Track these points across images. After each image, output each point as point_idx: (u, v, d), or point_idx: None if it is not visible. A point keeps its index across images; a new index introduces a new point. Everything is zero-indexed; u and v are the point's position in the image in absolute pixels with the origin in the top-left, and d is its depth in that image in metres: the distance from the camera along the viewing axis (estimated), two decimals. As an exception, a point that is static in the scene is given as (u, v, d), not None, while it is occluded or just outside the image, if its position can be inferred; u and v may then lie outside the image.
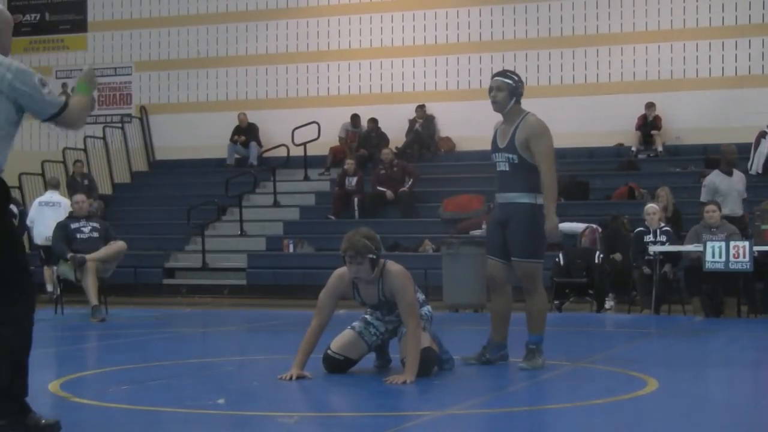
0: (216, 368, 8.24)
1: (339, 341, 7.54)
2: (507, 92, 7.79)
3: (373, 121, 21.47)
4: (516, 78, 7.88)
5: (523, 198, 7.77)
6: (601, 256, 15.01)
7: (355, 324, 7.60)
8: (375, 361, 7.77)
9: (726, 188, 14.93)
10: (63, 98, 5.22)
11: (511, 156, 7.76)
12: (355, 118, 21.74)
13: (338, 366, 7.47)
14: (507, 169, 7.80)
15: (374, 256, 7.15)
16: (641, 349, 9.96)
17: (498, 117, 7.98)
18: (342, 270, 7.35)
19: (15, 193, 19.59)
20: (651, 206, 14.44)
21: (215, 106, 23.17)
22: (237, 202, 20.50)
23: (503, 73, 7.95)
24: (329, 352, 7.49)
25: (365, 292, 7.38)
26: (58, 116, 5.19)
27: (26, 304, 5.08)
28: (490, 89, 7.87)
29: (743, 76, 20.20)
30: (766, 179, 18.37)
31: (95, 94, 5.17)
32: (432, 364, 7.31)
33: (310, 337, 7.28)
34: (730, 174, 14.96)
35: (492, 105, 7.88)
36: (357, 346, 7.52)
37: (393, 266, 7.31)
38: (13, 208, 15.70)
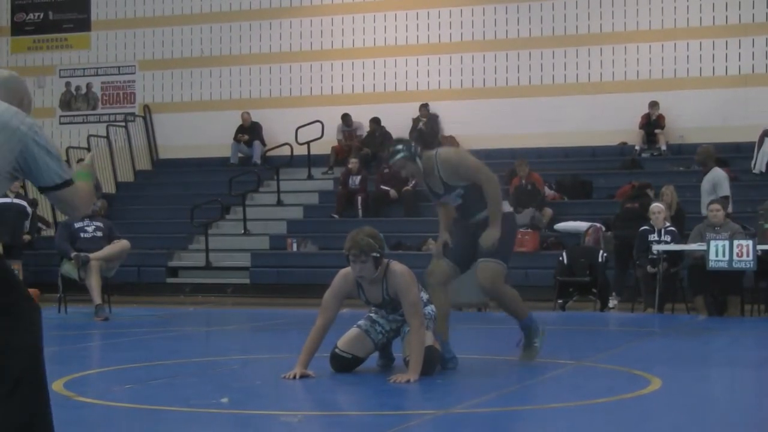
0: (219, 367, 8.25)
1: (346, 339, 7.55)
2: (409, 162, 7.67)
3: (375, 121, 21.45)
4: (403, 145, 7.71)
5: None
6: (605, 255, 14.99)
7: (361, 322, 7.62)
8: (378, 360, 7.78)
9: (702, 189, 15.12)
10: (71, 172, 4.29)
11: (456, 191, 7.72)
12: (346, 117, 21.71)
13: (346, 364, 7.48)
14: (461, 201, 7.77)
15: (378, 255, 7.17)
16: (644, 348, 9.96)
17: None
18: (347, 270, 7.37)
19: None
20: (656, 205, 14.41)
21: (219, 104, 23.18)
22: (240, 201, 20.50)
23: (395, 152, 7.73)
24: (337, 350, 7.51)
25: (369, 292, 7.39)
26: (62, 188, 4.19)
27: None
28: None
29: (747, 75, 20.19)
30: (770, 178, 18.39)
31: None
32: (435, 363, 7.32)
33: (314, 336, 7.29)
34: (705, 174, 15.14)
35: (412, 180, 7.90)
36: (364, 344, 7.54)
37: (396, 266, 7.33)
38: (27, 207, 15.80)
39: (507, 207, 7.93)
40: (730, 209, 14.95)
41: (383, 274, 7.28)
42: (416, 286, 7.30)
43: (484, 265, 7.77)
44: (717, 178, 15.09)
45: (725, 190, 14.97)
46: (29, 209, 15.74)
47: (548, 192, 18.73)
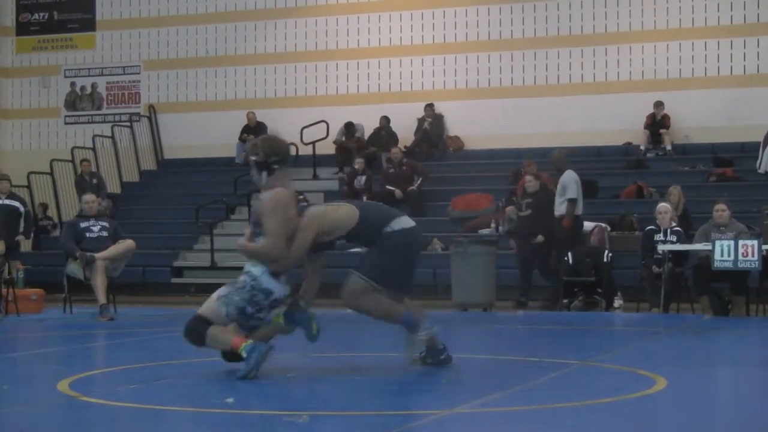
0: (224, 367, 8.25)
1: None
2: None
3: (386, 119, 21.44)
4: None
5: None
6: (610, 255, 14.98)
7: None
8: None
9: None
10: None
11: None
12: (350, 125, 21.65)
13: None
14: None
15: (255, 158, 6.89)
16: (650, 348, 9.94)
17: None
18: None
19: (23, 192, 19.61)
20: (663, 205, 14.40)
21: (224, 104, 23.19)
22: (245, 201, 20.50)
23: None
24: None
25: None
26: None
27: None
28: None
29: (752, 74, 20.17)
30: (775, 178, 18.37)
31: None
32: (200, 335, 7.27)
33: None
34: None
35: None
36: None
37: (280, 195, 6.92)
38: (20, 206, 15.79)
39: (407, 222, 7.66)
40: (579, 211, 15.16)
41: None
42: (282, 215, 7.00)
43: (348, 279, 7.58)
44: (565, 180, 15.32)
45: (572, 192, 15.18)
46: (22, 209, 15.73)
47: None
